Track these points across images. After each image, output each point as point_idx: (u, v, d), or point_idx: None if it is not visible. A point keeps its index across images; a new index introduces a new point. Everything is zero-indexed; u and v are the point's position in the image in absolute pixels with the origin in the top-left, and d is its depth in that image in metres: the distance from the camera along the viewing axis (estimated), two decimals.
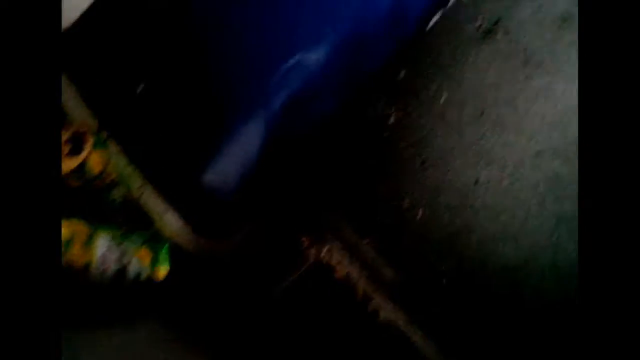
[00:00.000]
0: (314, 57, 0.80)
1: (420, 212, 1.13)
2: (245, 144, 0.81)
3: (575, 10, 1.16)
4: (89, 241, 0.67)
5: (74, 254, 0.64)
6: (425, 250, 1.09)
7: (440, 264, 1.07)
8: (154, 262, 0.82)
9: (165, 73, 0.88)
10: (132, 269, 0.73)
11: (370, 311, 0.97)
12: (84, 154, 0.72)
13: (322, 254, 1.02)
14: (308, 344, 0.97)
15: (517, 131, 1.12)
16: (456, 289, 1.04)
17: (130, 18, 0.96)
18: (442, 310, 1.04)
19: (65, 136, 0.75)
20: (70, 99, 0.95)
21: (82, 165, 0.71)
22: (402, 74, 1.16)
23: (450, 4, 1.11)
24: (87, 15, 1.00)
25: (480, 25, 1.18)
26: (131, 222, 0.87)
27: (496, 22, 1.18)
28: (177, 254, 0.86)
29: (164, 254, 0.83)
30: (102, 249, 0.69)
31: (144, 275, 0.75)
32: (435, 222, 1.11)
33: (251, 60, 0.80)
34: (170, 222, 0.82)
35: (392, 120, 1.16)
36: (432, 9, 1.00)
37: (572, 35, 1.15)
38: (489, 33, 1.22)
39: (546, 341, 0.99)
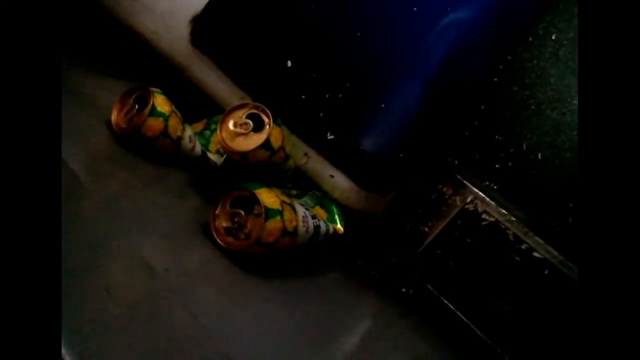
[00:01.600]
0: (468, 15, 0.82)
1: (540, 154, 1.14)
2: (404, 103, 0.85)
3: None
4: (291, 208, 0.74)
5: (287, 218, 0.72)
6: (550, 190, 1.09)
7: (567, 202, 1.08)
8: (331, 220, 0.89)
9: (313, 41, 0.93)
10: (322, 226, 0.81)
11: (523, 250, 1.01)
12: (268, 129, 0.79)
13: (467, 202, 1.06)
14: (468, 288, 1.03)
15: None
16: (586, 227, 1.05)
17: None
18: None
19: (244, 114, 0.82)
20: (222, 83, 1.03)
21: (267, 141, 0.78)
22: None
23: None
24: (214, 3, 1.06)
25: None
26: (300, 187, 0.95)
27: None
28: (346, 214, 0.93)
29: (337, 212, 0.90)
30: (301, 212, 0.76)
31: (330, 231, 0.83)
32: (556, 163, 1.12)
33: (406, 21, 0.84)
34: (340, 183, 0.89)
35: (501, 65, 1.15)
36: None
37: None
38: None
39: None
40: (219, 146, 0.97)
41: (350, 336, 0.85)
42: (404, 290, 1.03)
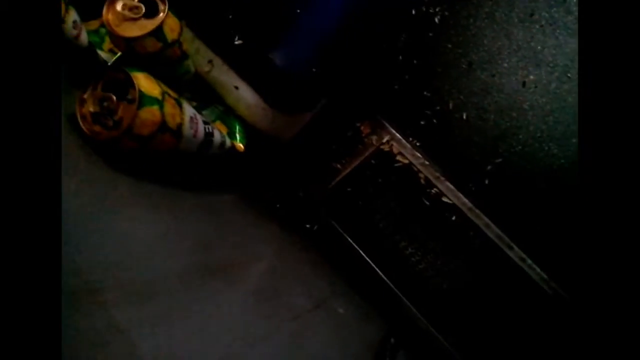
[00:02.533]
0: None
1: (465, 114, 1.12)
2: (322, 13, 0.78)
3: None
4: (177, 103, 0.65)
5: (168, 112, 0.63)
6: (469, 152, 1.08)
7: (485, 164, 1.07)
8: (231, 136, 0.81)
9: None
10: (217, 136, 0.72)
11: (433, 194, 0.98)
12: (161, 16, 0.69)
13: (383, 142, 1.01)
14: (376, 221, 0.99)
15: (568, 33, 1.08)
16: (500, 188, 1.05)
17: None
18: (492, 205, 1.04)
19: None
20: None
21: (159, 29, 0.68)
22: None
23: None
24: None
25: None
26: (201, 97, 0.86)
27: None
28: (250, 133, 0.85)
29: (239, 129, 0.82)
30: (190, 112, 0.67)
31: (227, 144, 0.74)
32: (481, 124, 1.10)
33: None
34: (245, 96, 0.80)
35: (437, 19, 1.12)
36: None
37: None
38: None
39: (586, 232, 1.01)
40: (112, 45, 0.85)
41: (251, 264, 0.77)
42: (307, 226, 0.97)
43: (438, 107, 1.13)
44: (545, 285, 0.91)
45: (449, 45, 1.15)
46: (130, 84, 0.61)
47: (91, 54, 0.78)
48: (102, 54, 0.81)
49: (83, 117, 0.62)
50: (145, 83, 0.61)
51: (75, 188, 0.56)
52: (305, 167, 0.96)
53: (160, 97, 0.62)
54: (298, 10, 0.78)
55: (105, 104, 0.62)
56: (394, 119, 1.08)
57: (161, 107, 0.62)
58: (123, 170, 0.62)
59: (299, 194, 0.96)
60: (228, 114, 0.82)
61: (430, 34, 1.13)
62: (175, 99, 0.65)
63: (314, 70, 0.80)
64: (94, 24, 0.88)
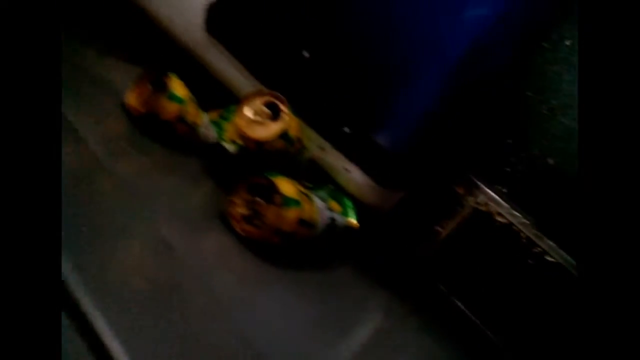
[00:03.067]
0: (489, 12, 0.82)
1: (551, 160, 1.13)
2: (422, 99, 0.85)
3: None
4: (309, 199, 0.73)
5: (305, 209, 0.71)
6: (557, 198, 1.09)
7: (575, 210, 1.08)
8: (344, 213, 0.88)
9: (331, 32, 0.92)
10: (338, 219, 0.80)
11: (536, 253, 1.00)
12: (286, 118, 0.78)
13: (479, 204, 1.05)
14: (479, 288, 1.02)
15: None
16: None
17: None
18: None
19: (262, 102, 0.81)
20: (236, 72, 1.02)
21: (286, 130, 0.77)
22: None
23: None
24: None
25: None
26: (314, 179, 0.94)
27: None
28: (358, 207, 0.92)
29: (351, 206, 0.89)
30: (319, 204, 0.75)
31: (344, 223, 0.82)
32: (566, 169, 1.11)
33: (427, 14, 0.83)
34: (355, 177, 0.88)
35: (516, 68, 1.14)
36: None
37: None
38: None
39: None
40: (233, 135, 0.96)
41: (361, 330, 0.84)
42: (414, 287, 1.02)
43: (522, 154, 1.15)
44: None
45: (529, 93, 1.18)
46: (274, 188, 0.70)
47: (219, 148, 0.89)
48: (226, 145, 0.92)
49: (234, 217, 0.72)
50: (285, 186, 0.70)
51: (233, 279, 0.66)
52: (408, 232, 1.02)
53: (298, 197, 0.71)
54: (399, 98, 0.85)
55: (253, 207, 0.71)
56: (479, 169, 1.12)
57: (300, 206, 0.70)
58: (269, 261, 0.71)
59: (404, 257, 1.02)
60: (339, 192, 0.90)
61: (507, 82, 1.16)
62: (307, 195, 0.74)
63: (417, 151, 0.87)
64: (213, 115, 1.00)
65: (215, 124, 0.97)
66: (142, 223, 0.60)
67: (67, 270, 0.46)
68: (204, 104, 0.97)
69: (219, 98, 1.04)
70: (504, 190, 1.13)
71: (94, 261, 0.48)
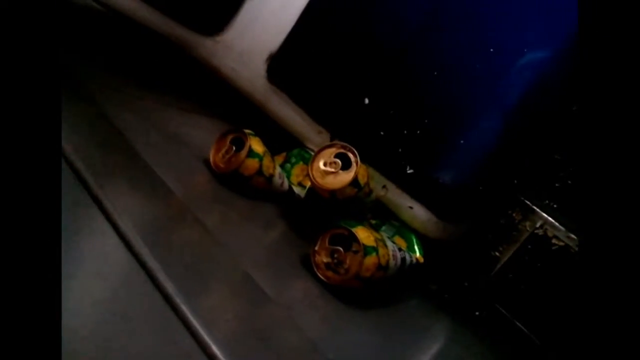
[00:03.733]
0: (541, 55, 0.86)
1: None
2: (482, 139, 0.90)
3: None
4: (384, 244, 0.80)
5: (381, 254, 0.78)
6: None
7: None
8: (410, 249, 0.95)
9: (391, 78, 0.99)
10: (407, 257, 0.86)
11: None
12: (355, 167, 0.85)
13: (536, 228, 1.10)
14: (539, 310, 1.07)
15: None
16: None
17: (335, 35, 1.07)
18: None
19: (332, 153, 0.88)
20: (299, 118, 1.10)
21: (355, 178, 0.84)
22: None
23: None
24: (292, 38, 1.13)
25: None
26: (378, 216, 1.01)
27: None
28: (423, 241, 0.98)
29: (416, 241, 0.96)
30: (391, 248, 0.82)
31: (413, 260, 0.88)
32: None
33: (485, 60, 0.89)
34: (419, 214, 0.94)
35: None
36: None
37: None
38: None
39: None
40: (300, 178, 1.04)
41: (423, 357, 0.91)
42: (477, 313, 1.08)
43: (571, 169, 1.19)
44: None
45: (575, 107, 1.21)
46: (354, 238, 0.77)
47: (290, 194, 0.98)
48: (295, 188, 1.00)
49: (317, 265, 0.80)
50: (364, 236, 0.77)
51: (318, 320, 0.73)
52: (468, 259, 1.08)
53: (375, 245, 0.78)
54: (461, 141, 0.91)
55: (335, 255, 0.79)
56: (530, 186, 1.16)
57: (377, 253, 0.78)
58: (349, 302, 0.79)
59: (465, 283, 1.08)
60: (404, 228, 0.96)
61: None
62: (382, 241, 0.81)
63: (478, 188, 0.92)
64: (278, 160, 1.08)
65: (281, 168, 1.06)
66: (229, 269, 0.69)
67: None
68: (270, 151, 1.05)
69: (284, 144, 1.12)
70: (554, 205, 1.17)
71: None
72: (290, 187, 0.97)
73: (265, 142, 0.99)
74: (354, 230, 0.78)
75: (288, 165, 1.06)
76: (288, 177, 1.04)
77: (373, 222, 0.98)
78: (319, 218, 0.92)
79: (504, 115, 0.86)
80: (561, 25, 0.86)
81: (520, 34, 0.86)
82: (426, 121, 0.91)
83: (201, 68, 1.16)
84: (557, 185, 1.20)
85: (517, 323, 1.04)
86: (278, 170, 0.95)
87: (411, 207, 0.93)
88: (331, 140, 1.03)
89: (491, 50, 0.88)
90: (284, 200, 0.97)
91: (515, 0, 0.88)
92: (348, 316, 0.80)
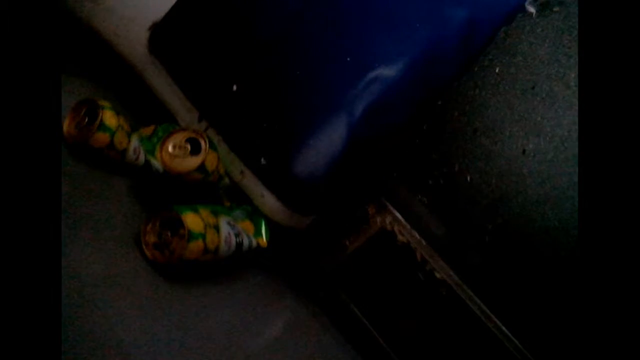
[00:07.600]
0: (391, 72, 0.92)
1: (469, 177, 1.27)
2: (331, 141, 0.96)
3: None
4: (215, 230, 0.86)
5: (209, 240, 0.84)
6: (472, 211, 1.24)
7: (486, 224, 1.23)
8: (257, 233, 1.02)
9: (260, 73, 1.02)
10: (245, 242, 0.93)
11: (427, 271, 1.16)
12: (203, 154, 0.89)
13: (386, 223, 1.20)
14: (376, 299, 1.19)
15: (566, 106, 1.18)
16: (499, 246, 1.20)
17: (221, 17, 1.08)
18: (485, 266, 1.21)
19: (184, 138, 0.92)
20: (173, 94, 1.12)
21: (202, 165, 0.89)
22: None
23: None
24: (176, 10, 1.12)
25: None
26: (234, 201, 1.07)
27: None
28: (272, 226, 1.06)
29: (264, 226, 1.03)
30: (225, 233, 0.88)
31: (253, 244, 0.95)
32: (483, 186, 1.25)
33: (339, 68, 0.93)
34: (270, 202, 1.01)
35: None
36: (500, 27, 1.07)
37: None
38: (545, 6, 1.25)
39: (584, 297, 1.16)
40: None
41: (272, 327, 1.00)
42: (320, 294, 1.18)
43: (445, 169, 1.29)
44: (519, 355, 1.09)
45: (456, 113, 1.30)
46: (180, 223, 0.83)
47: (147, 168, 1.01)
48: (155, 162, 1.03)
49: (146, 244, 0.85)
50: (191, 221, 0.83)
51: (139, 304, 0.79)
52: (318, 244, 1.17)
53: (203, 231, 0.84)
54: (311, 141, 0.97)
55: (162, 237, 0.84)
56: (405, 179, 1.26)
57: (204, 239, 0.84)
58: (176, 281, 0.85)
59: (313, 266, 1.17)
60: (256, 213, 1.03)
61: (439, 102, 1.28)
62: (214, 227, 0.87)
63: (325, 185, 0.99)
64: (148, 131, 1.10)
65: (148, 140, 1.07)
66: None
67: None
68: (143, 119, 1.06)
69: (158, 115, 1.13)
70: (425, 200, 1.28)
71: None
72: (147, 162, 0.99)
73: (140, 111, 1.00)
74: (182, 215, 0.83)
75: (154, 138, 1.08)
76: (152, 151, 1.06)
77: (228, 204, 1.03)
78: (170, 195, 0.96)
79: (349, 125, 0.92)
80: (413, 48, 0.91)
81: (373, 49, 0.91)
82: (283, 117, 0.96)
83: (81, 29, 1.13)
84: (430, 182, 1.29)
85: (353, 307, 1.15)
86: (134, 144, 0.97)
87: (263, 195, 0.99)
88: (199, 120, 1.05)
89: (348, 59, 0.92)
90: (139, 174, 1.00)
91: (374, 16, 0.92)
92: (175, 297, 0.86)
